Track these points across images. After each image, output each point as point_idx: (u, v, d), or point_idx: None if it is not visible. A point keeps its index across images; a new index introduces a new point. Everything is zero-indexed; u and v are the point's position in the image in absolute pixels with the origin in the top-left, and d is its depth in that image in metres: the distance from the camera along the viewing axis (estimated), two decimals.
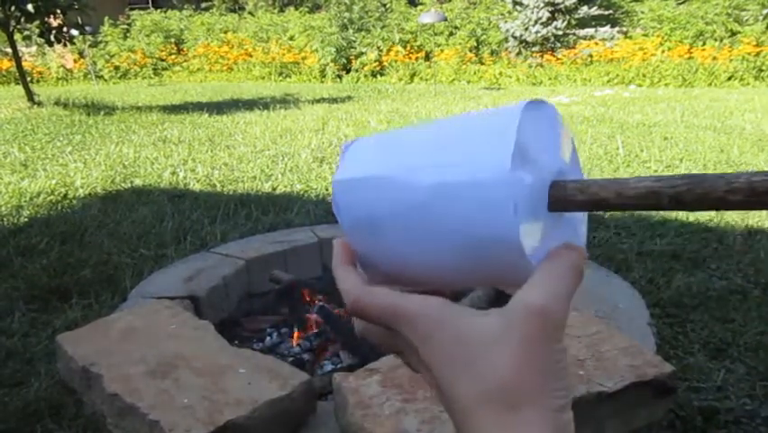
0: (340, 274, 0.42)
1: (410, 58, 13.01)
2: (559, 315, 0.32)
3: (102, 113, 7.54)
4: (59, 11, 8.23)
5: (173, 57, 15.00)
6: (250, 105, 8.36)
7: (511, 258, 0.40)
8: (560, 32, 12.46)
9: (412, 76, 12.55)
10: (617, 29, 12.64)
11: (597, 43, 12.21)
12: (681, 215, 3.22)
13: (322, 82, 12.90)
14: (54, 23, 8.45)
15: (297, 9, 16.98)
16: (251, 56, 14.27)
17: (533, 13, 12.40)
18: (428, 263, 0.47)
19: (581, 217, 0.50)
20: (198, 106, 8.12)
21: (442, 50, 12.98)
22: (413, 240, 0.47)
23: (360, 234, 0.52)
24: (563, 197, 0.44)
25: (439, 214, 0.45)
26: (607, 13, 12.96)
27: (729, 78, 10.55)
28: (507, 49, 12.94)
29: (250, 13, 17.52)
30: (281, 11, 17.14)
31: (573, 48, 12.38)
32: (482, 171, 0.41)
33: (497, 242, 0.41)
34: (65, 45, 8.91)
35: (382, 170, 0.50)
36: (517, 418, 0.30)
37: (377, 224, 0.50)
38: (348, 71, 13.16)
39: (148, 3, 20.04)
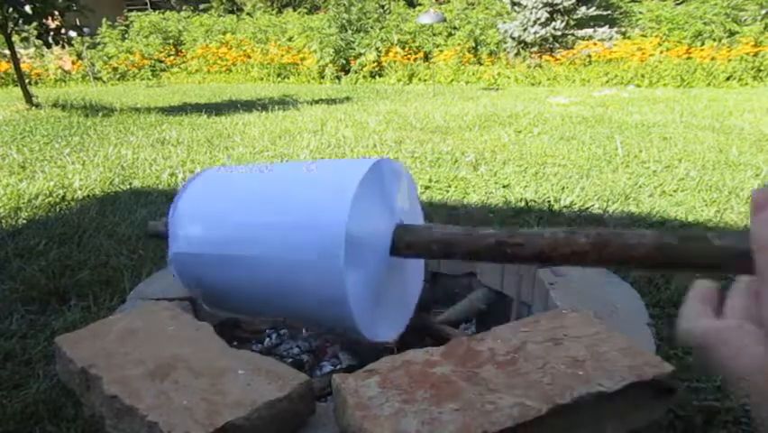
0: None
1: (409, 59, 13.01)
2: None
3: (100, 114, 7.54)
4: (56, 12, 8.22)
5: (171, 58, 14.99)
6: (248, 106, 8.35)
7: (346, 325, 0.50)
8: (558, 33, 12.47)
9: (411, 76, 12.55)
10: (615, 29, 12.65)
11: (595, 44, 12.22)
12: (681, 215, 3.22)
13: (320, 83, 12.90)
14: (52, 24, 8.45)
15: (295, 10, 16.98)
16: (249, 57, 14.27)
17: (531, 13, 12.41)
18: (265, 312, 0.56)
19: (418, 274, 0.70)
20: (197, 108, 8.12)
21: (440, 51, 12.99)
22: (253, 303, 0.58)
23: (204, 294, 0.63)
24: (402, 247, 0.52)
25: (277, 295, 0.54)
26: (605, 13, 12.97)
27: (728, 79, 10.56)
28: (505, 49, 12.94)
29: (248, 14, 17.51)
30: (280, 12, 17.14)
31: (572, 48, 12.39)
32: (321, 248, 0.50)
33: (331, 320, 0.49)
34: (63, 47, 8.91)
35: (224, 247, 0.53)
36: None
37: (218, 291, 0.60)
38: (347, 72, 13.16)
39: (146, 4, 20.03)
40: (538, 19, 12.35)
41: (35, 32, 8.53)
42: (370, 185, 0.58)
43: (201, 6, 19.04)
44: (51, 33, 8.42)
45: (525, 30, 12.48)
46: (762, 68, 10.62)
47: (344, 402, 1.13)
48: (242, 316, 0.59)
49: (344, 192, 0.52)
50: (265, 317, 0.60)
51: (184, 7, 18.40)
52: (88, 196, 3.75)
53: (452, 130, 5.85)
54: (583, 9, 12.59)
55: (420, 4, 15.00)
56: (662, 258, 0.67)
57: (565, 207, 3.38)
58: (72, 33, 8.89)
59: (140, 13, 17.20)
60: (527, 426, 1.06)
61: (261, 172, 0.60)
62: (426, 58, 13.17)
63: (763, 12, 11.70)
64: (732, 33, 11.72)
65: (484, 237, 0.62)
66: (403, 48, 13.24)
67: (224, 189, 0.63)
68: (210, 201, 0.63)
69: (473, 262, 0.49)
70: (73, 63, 14.46)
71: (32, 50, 13.71)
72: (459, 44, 12.96)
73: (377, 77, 12.93)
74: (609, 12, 13.18)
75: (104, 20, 15.26)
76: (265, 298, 0.59)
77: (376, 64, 12.98)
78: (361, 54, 13.15)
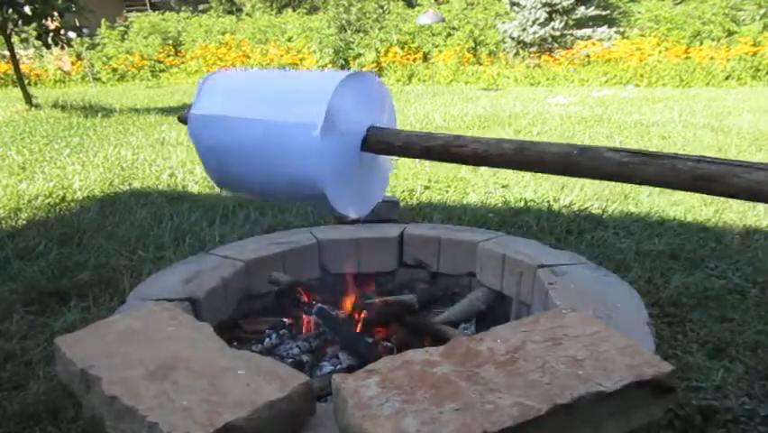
0: None
1: (408, 59, 13.01)
2: None
3: (100, 115, 7.54)
4: (56, 13, 8.22)
5: (171, 59, 14.98)
6: None
7: (313, 192, 0.65)
8: (557, 33, 12.47)
9: (410, 77, 12.56)
10: (614, 29, 12.66)
11: (594, 44, 12.22)
12: (680, 214, 3.23)
13: None
14: (51, 25, 8.45)
15: (294, 11, 16.97)
16: (249, 57, 14.27)
17: (530, 13, 12.41)
18: (254, 180, 0.71)
19: (384, 172, 0.81)
20: None
21: (440, 51, 12.99)
22: (246, 165, 0.70)
23: (211, 156, 0.75)
24: (375, 140, 0.69)
25: (264, 154, 0.66)
26: (604, 13, 12.98)
27: (727, 78, 10.57)
28: (504, 49, 12.95)
29: (247, 14, 17.51)
30: (279, 12, 17.14)
31: (571, 48, 12.40)
32: (297, 132, 0.65)
33: (305, 185, 0.63)
34: (62, 48, 8.91)
35: (230, 111, 0.68)
36: None
37: (222, 151, 0.71)
38: None
39: (145, 5, 20.03)
40: (537, 19, 12.36)
41: (35, 33, 8.54)
42: (356, 86, 0.75)
43: (200, 7, 19.04)
44: (51, 34, 8.42)
45: (524, 30, 12.48)
46: (760, 67, 10.63)
47: (344, 402, 1.13)
48: (233, 186, 0.84)
49: (333, 80, 0.70)
50: (251, 188, 0.86)
51: (183, 8, 18.40)
52: (88, 197, 3.75)
53: (451, 130, 5.84)
54: (582, 9, 12.59)
55: (419, 5, 15.00)
56: (563, 165, 0.79)
57: (564, 206, 3.39)
58: (71, 34, 8.88)
59: (139, 14, 17.21)
60: (527, 425, 1.06)
61: (275, 70, 0.84)
62: (426, 58, 13.17)
63: (762, 11, 11.72)
64: (731, 33, 11.73)
65: (435, 139, 0.79)
66: (402, 48, 13.25)
67: (238, 75, 0.85)
68: (225, 81, 0.82)
69: (426, 159, 0.71)
70: (72, 64, 14.45)
71: (31, 50, 13.71)
72: (458, 44, 12.97)
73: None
74: (608, 12, 13.19)
75: (103, 21, 15.25)
76: (254, 160, 0.74)
77: (375, 64, 12.98)
78: (360, 54, 13.15)
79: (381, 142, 0.78)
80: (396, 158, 0.90)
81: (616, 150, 0.76)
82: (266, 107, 0.73)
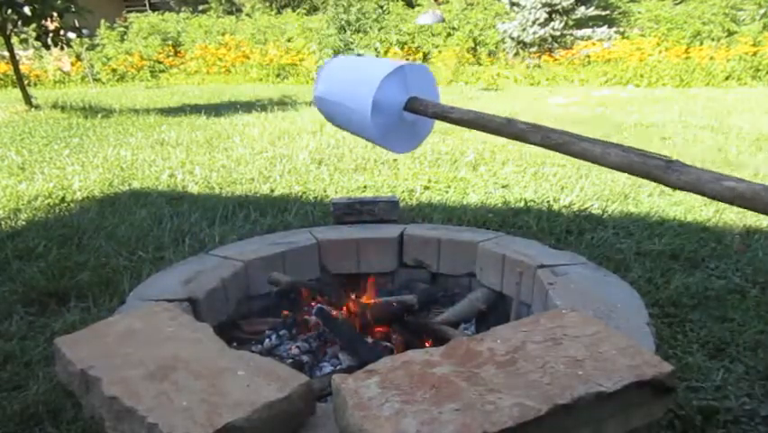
0: None
1: (408, 59, 13.02)
2: None
3: (99, 115, 7.54)
4: (55, 14, 8.21)
5: (170, 59, 14.98)
6: (247, 107, 8.35)
7: (365, 128, 1.12)
8: (557, 33, 12.47)
9: None
10: (614, 29, 12.65)
11: (594, 44, 12.22)
12: (680, 215, 3.23)
13: None
14: (51, 26, 8.44)
15: (294, 11, 16.97)
16: (248, 58, 14.26)
17: (530, 13, 12.41)
18: (351, 129, 1.21)
19: (426, 126, 1.23)
20: (196, 109, 8.12)
21: (439, 52, 12.99)
22: (342, 126, 1.24)
23: (326, 117, 1.27)
24: (412, 106, 1.10)
25: (351, 117, 1.14)
26: (604, 13, 12.97)
27: (727, 78, 10.57)
28: (504, 50, 12.95)
29: (247, 15, 17.51)
30: (279, 13, 17.13)
31: (571, 48, 12.40)
32: (363, 105, 1.09)
33: (372, 141, 1.17)
34: (62, 48, 8.91)
35: (327, 95, 1.19)
36: None
37: (329, 116, 1.27)
38: None
39: (145, 5, 20.03)
40: (537, 19, 12.36)
41: (34, 34, 8.53)
42: (400, 73, 1.14)
43: (200, 7, 19.03)
44: (50, 35, 8.41)
45: (524, 30, 12.48)
46: (760, 67, 10.62)
47: (344, 403, 1.13)
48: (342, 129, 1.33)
49: (382, 73, 1.11)
50: (348, 131, 1.30)
51: (183, 8, 18.39)
52: (88, 197, 3.75)
53: (451, 130, 5.84)
54: (582, 9, 12.59)
55: (419, 5, 15.01)
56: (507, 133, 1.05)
57: (565, 206, 3.39)
58: (71, 35, 8.88)
59: (139, 15, 17.20)
60: (527, 426, 1.06)
61: (358, 59, 1.36)
62: (425, 58, 13.17)
63: (762, 11, 11.72)
64: (731, 33, 11.73)
65: (453, 111, 1.11)
66: (402, 48, 13.25)
67: (339, 63, 1.30)
68: (329, 70, 1.27)
69: (445, 122, 1.15)
70: (72, 65, 14.44)
71: (30, 51, 13.71)
72: (458, 44, 12.97)
73: None
74: (608, 12, 13.19)
75: (102, 21, 15.25)
76: (344, 125, 1.26)
77: None
78: (360, 55, 13.16)
79: (416, 109, 1.16)
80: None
81: (525, 123, 1.07)
82: (343, 95, 1.20)
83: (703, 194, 0.80)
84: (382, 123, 1.11)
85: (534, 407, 1.08)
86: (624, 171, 0.91)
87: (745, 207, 0.76)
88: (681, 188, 0.82)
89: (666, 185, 0.84)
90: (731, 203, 0.78)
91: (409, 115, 1.16)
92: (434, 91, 1.21)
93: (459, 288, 2.34)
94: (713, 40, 11.63)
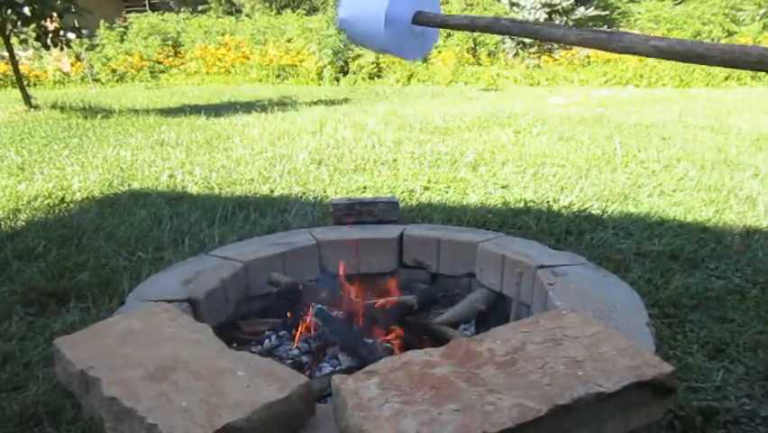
0: None
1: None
2: None
3: (99, 116, 7.54)
4: (55, 14, 8.21)
5: (170, 60, 14.98)
6: (247, 107, 8.35)
7: (381, 40, 1.33)
8: None
9: (409, 77, 12.56)
10: (614, 30, 12.65)
11: None
12: (680, 215, 3.23)
13: (319, 84, 12.90)
14: (50, 26, 8.44)
15: (294, 11, 16.96)
16: (248, 58, 14.26)
17: (530, 14, 12.42)
18: (370, 42, 1.41)
19: (433, 36, 1.43)
20: (196, 109, 8.12)
21: (439, 52, 12.99)
22: (363, 43, 1.47)
23: (349, 38, 1.45)
24: (419, 19, 1.30)
25: (369, 33, 1.34)
26: (604, 13, 12.98)
27: (726, 78, 10.57)
28: (504, 50, 12.95)
29: (247, 15, 17.51)
30: (278, 13, 17.13)
31: (570, 49, 12.40)
32: (377, 20, 1.30)
33: (389, 52, 1.42)
34: (61, 49, 8.90)
35: (348, 16, 1.37)
36: None
37: (353, 34, 1.43)
38: (345, 73, 13.16)
39: (145, 5, 20.02)
40: (537, 20, 12.36)
41: (34, 34, 8.52)
42: None
43: (200, 8, 19.01)
44: (50, 35, 8.41)
45: None
46: None
47: (344, 403, 1.13)
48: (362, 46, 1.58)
49: None
50: (368, 47, 1.51)
51: (183, 9, 18.38)
52: (87, 197, 3.75)
53: (451, 131, 5.85)
54: (582, 9, 12.60)
55: None
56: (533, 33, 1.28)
57: (564, 207, 3.39)
58: (71, 35, 8.85)
59: (138, 15, 17.19)
60: (527, 426, 1.06)
61: None
62: (425, 58, 13.16)
63: (762, 12, 11.72)
64: (730, 33, 11.74)
65: (455, 18, 1.37)
66: None
67: None
68: None
69: (455, 29, 1.35)
70: (72, 65, 14.44)
71: (30, 51, 13.70)
72: (458, 45, 12.97)
73: (375, 78, 12.93)
74: (608, 12, 13.19)
75: (102, 21, 15.24)
76: (363, 41, 1.45)
77: (374, 65, 12.98)
78: (359, 55, 13.15)
79: (422, 21, 1.34)
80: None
81: (509, 19, 1.35)
82: (361, 14, 1.37)
83: (636, 53, 1.07)
84: (394, 34, 1.31)
85: (533, 407, 1.08)
86: (581, 46, 1.17)
87: (664, 59, 1.05)
88: (621, 52, 1.09)
89: (610, 51, 1.10)
90: (657, 57, 1.05)
91: (417, 27, 1.35)
92: (437, 7, 1.40)
93: (459, 288, 2.34)
94: (713, 40, 11.63)
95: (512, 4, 12.94)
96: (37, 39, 8.53)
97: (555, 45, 12.59)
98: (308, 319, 1.99)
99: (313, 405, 1.27)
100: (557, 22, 12.38)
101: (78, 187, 3.96)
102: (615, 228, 3.02)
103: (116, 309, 1.84)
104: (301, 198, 3.66)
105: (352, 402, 1.11)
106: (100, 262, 2.65)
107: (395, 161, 4.50)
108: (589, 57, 11.91)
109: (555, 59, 12.20)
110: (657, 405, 1.23)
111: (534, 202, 3.47)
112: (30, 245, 2.85)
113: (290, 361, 1.79)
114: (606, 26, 12.66)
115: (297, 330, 2.00)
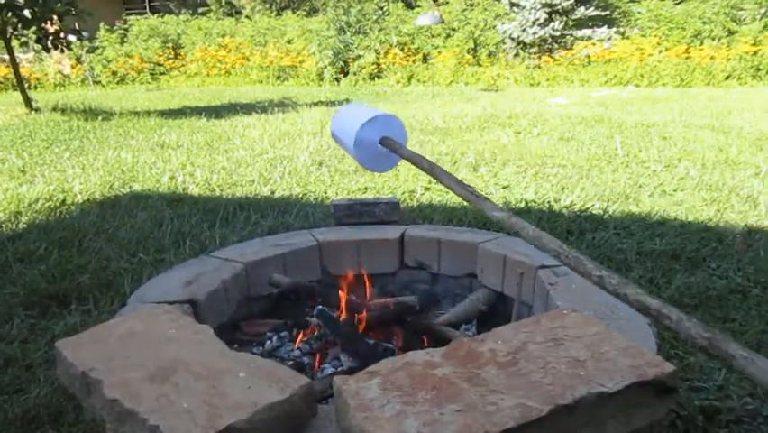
0: None
1: (408, 60, 13.02)
2: None
3: (100, 118, 7.54)
4: (55, 17, 8.22)
5: (171, 61, 15.00)
6: (248, 108, 8.36)
7: (353, 155, 1.59)
8: (557, 33, 12.48)
9: (410, 78, 12.57)
10: (614, 29, 12.65)
11: (594, 44, 12.22)
12: (681, 215, 3.22)
13: (320, 85, 12.91)
14: (51, 28, 8.44)
15: (294, 12, 16.98)
16: (248, 60, 14.28)
17: (530, 14, 12.41)
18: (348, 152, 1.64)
19: (395, 158, 1.63)
20: (196, 111, 8.12)
21: (439, 53, 13.00)
22: (345, 149, 1.67)
23: (337, 142, 1.75)
24: (386, 143, 1.55)
25: (347, 147, 1.61)
26: (604, 13, 12.97)
27: (727, 78, 10.57)
28: (504, 50, 12.95)
29: (247, 17, 17.52)
30: (278, 14, 17.14)
31: (571, 49, 12.40)
32: (350, 140, 1.57)
33: (350, 150, 1.58)
34: (62, 51, 8.91)
35: (335, 131, 1.72)
36: None
37: (338, 144, 1.74)
38: (346, 74, 13.17)
39: (145, 7, 20.05)
40: (537, 20, 12.36)
41: (34, 37, 8.53)
42: (374, 121, 1.55)
43: (200, 9, 19.04)
44: (50, 38, 8.42)
45: (523, 30, 12.49)
46: (761, 66, 10.63)
47: (345, 404, 1.13)
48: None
49: (360, 120, 1.55)
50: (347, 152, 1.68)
51: (183, 10, 18.41)
52: (88, 200, 3.75)
53: (451, 131, 5.85)
54: (582, 9, 12.60)
55: (419, 6, 15.01)
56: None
57: (565, 207, 3.38)
58: (71, 37, 8.86)
59: (138, 17, 17.22)
60: (529, 426, 1.06)
61: (354, 106, 1.73)
62: (425, 59, 13.18)
63: (762, 11, 11.72)
64: (731, 33, 11.73)
65: (415, 157, 1.47)
66: (402, 49, 13.25)
67: (345, 108, 1.76)
68: (339, 113, 1.73)
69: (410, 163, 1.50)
70: (72, 67, 14.47)
71: (31, 54, 13.72)
72: (458, 45, 12.98)
73: (376, 78, 12.94)
74: (608, 12, 13.18)
75: (102, 24, 15.26)
76: (344, 148, 1.66)
77: (375, 66, 13.00)
78: (359, 56, 13.16)
79: (387, 145, 1.55)
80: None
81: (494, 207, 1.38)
82: (342, 132, 1.64)
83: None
84: (363, 151, 1.55)
85: (535, 407, 1.08)
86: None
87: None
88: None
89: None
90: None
91: (383, 147, 1.57)
92: (402, 132, 1.61)
93: (460, 289, 2.34)
94: (713, 39, 11.63)
95: (512, 5, 12.93)
96: (37, 41, 8.53)
97: (556, 45, 12.60)
98: (309, 320, 1.99)
99: (314, 406, 1.27)
100: (557, 22, 12.38)
101: (79, 189, 3.97)
102: (616, 228, 3.02)
103: (118, 311, 1.84)
104: (302, 199, 3.66)
105: (353, 403, 1.11)
106: (101, 264, 2.65)
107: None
108: (589, 57, 11.92)
109: (556, 60, 12.20)
110: (659, 405, 1.23)
111: (535, 202, 3.47)
112: (31, 248, 2.86)
113: (291, 362, 1.79)
114: (606, 26, 12.67)
115: (298, 331, 2.00)
